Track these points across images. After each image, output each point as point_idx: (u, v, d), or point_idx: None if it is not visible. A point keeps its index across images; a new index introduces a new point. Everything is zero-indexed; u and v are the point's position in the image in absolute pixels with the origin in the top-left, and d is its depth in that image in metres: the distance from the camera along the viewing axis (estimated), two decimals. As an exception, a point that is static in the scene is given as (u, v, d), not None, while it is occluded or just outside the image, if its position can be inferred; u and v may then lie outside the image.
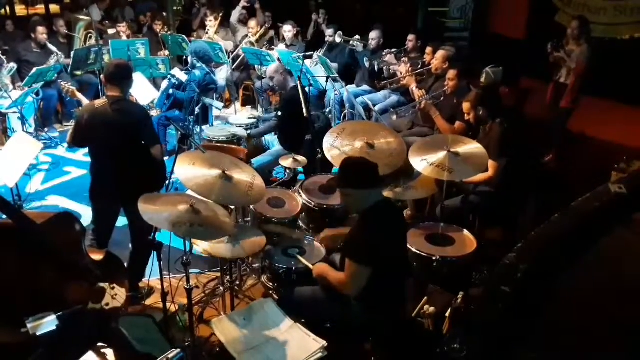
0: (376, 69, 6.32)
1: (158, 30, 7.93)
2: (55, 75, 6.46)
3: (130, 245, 3.56)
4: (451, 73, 4.70)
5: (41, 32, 6.67)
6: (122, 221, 3.63)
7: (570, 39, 5.35)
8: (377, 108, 5.75)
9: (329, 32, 7.15)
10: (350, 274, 2.63)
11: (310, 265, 3.04)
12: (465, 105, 3.94)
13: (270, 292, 3.35)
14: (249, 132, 5.32)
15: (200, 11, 8.81)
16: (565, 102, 5.37)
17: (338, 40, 7.01)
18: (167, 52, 7.63)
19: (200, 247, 3.16)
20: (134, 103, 3.58)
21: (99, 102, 3.32)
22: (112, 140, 3.27)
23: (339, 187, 2.81)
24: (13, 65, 6.37)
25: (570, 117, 5.52)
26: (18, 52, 6.69)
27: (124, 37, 7.49)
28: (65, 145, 6.09)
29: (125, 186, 3.29)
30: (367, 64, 6.43)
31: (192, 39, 7.67)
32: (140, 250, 3.48)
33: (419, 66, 5.55)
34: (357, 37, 6.85)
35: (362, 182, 2.66)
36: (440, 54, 5.10)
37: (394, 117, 5.20)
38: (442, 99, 4.73)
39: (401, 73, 5.56)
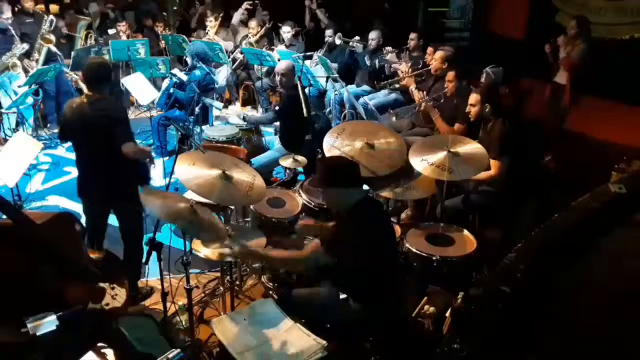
0: (377, 66, 6.32)
1: (159, 32, 7.95)
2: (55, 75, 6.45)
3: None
4: (450, 75, 4.68)
5: (26, 0, 6.57)
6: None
7: (569, 38, 5.34)
8: (373, 103, 5.75)
9: (328, 32, 7.15)
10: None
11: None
12: (474, 97, 3.89)
13: (270, 292, 3.35)
14: (243, 115, 5.31)
15: (197, 10, 8.82)
16: (567, 100, 5.35)
17: (338, 42, 7.01)
18: (164, 45, 7.65)
19: (202, 253, 3.15)
20: (112, 102, 3.55)
21: (78, 100, 3.34)
22: (90, 139, 3.27)
23: (319, 187, 2.78)
24: (25, 45, 6.28)
25: (567, 117, 5.52)
26: (15, 29, 6.47)
27: (124, 37, 7.49)
28: (65, 145, 6.10)
29: (107, 185, 3.30)
30: (367, 62, 6.42)
31: (192, 39, 7.67)
32: (130, 251, 3.48)
33: (420, 65, 5.55)
34: (357, 37, 6.85)
35: (343, 180, 2.64)
36: (439, 54, 5.08)
37: (394, 118, 5.19)
38: (442, 100, 4.73)
39: (402, 72, 5.55)
